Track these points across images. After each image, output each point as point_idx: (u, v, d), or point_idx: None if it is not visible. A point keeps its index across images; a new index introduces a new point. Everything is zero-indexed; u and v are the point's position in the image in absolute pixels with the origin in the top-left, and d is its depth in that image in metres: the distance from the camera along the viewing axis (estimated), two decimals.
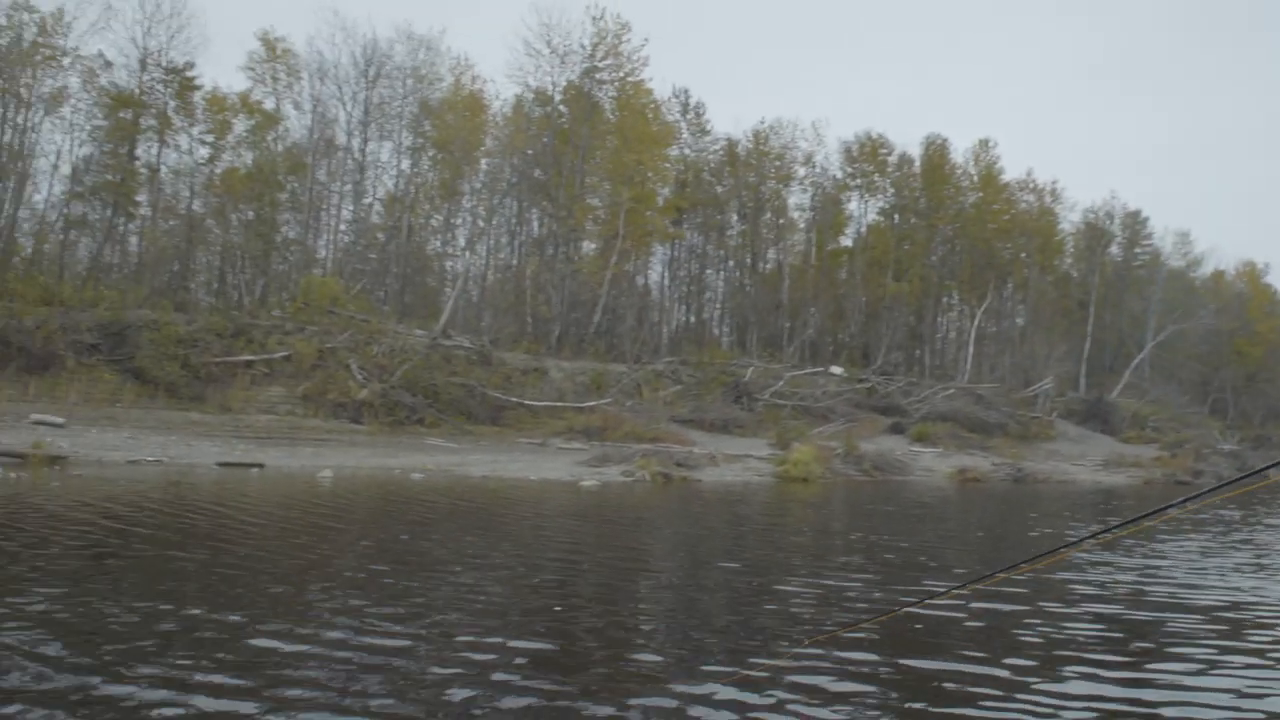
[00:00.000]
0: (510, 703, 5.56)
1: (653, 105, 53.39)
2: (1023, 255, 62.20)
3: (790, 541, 14.92)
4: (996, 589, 9.69)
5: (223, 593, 8.29)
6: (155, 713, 5.17)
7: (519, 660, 6.57)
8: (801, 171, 60.71)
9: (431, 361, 34.86)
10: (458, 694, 5.66)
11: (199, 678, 5.81)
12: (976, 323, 55.92)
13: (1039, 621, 8.72)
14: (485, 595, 8.80)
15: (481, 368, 36.55)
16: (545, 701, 5.62)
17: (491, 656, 6.58)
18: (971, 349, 54.94)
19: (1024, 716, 5.90)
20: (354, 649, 6.64)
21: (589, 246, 54.24)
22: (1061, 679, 6.80)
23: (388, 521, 14.80)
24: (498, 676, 6.11)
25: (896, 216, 61.92)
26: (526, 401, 35.67)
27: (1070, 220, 65.85)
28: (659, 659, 6.86)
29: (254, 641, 6.70)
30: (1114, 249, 67.25)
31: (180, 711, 5.22)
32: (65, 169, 43.65)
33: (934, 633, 8.15)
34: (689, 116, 59.45)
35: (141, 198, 46.56)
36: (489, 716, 5.35)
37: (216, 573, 9.28)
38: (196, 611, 7.53)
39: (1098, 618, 9.07)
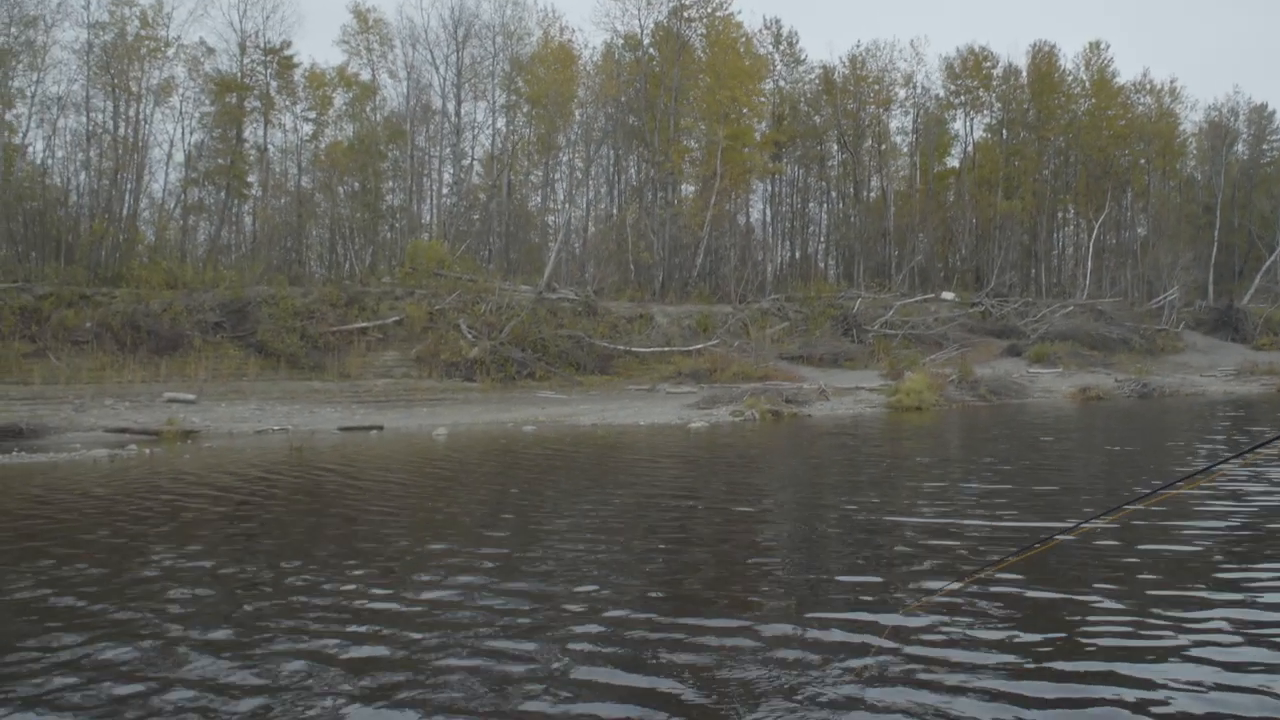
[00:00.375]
0: (637, 643, 5.60)
1: (744, 39, 52.43)
2: (1142, 161, 59.10)
3: (908, 472, 14.71)
4: (1147, 511, 9.43)
5: (354, 549, 8.63)
6: (290, 666, 5.45)
7: (643, 604, 6.59)
8: (902, 94, 59.00)
9: (538, 316, 35.33)
10: (588, 631, 5.72)
11: (339, 628, 6.07)
12: (1094, 236, 53.59)
13: (1198, 544, 8.47)
14: (604, 541, 8.91)
15: (587, 318, 36.88)
16: (668, 652, 5.58)
17: (615, 598, 6.69)
18: (1090, 263, 52.71)
19: (1196, 644, 5.74)
20: (489, 595, 6.87)
21: (688, 189, 53.93)
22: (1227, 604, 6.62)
23: (503, 473, 15.16)
24: (623, 615, 6.16)
25: (1005, 132, 59.54)
26: (633, 349, 35.88)
27: (1192, 121, 62.25)
28: (790, 602, 6.84)
29: (391, 591, 6.95)
30: (1240, 147, 63.25)
31: (321, 664, 5.49)
32: (179, 157, 45.48)
33: (1090, 562, 7.90)
34: (782, 48, 58.20)
35: (252, 178, 48.26)
36: (616, 658, 5.39)
37: (346, 530, 9.68)
38: (327, 567, 7.88)
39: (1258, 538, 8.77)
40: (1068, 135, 57.47)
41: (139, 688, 5.04)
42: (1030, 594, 6.65)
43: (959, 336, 41.50)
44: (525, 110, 52.84)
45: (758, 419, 25.07)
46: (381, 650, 5.53)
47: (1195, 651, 5.50)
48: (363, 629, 5.91)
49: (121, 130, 42.24)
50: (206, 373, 29.09)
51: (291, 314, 31.98)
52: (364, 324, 33.08)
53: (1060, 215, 60.22)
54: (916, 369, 33.03)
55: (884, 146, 59.02)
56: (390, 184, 51.12)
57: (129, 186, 42.72)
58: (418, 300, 34.51)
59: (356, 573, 7.61)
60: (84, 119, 41.28)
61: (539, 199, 55.50)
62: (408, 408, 27.60)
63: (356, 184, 47.91)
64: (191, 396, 26.42)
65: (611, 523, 9.82)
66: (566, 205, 52.40)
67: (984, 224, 55.89)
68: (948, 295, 46.44)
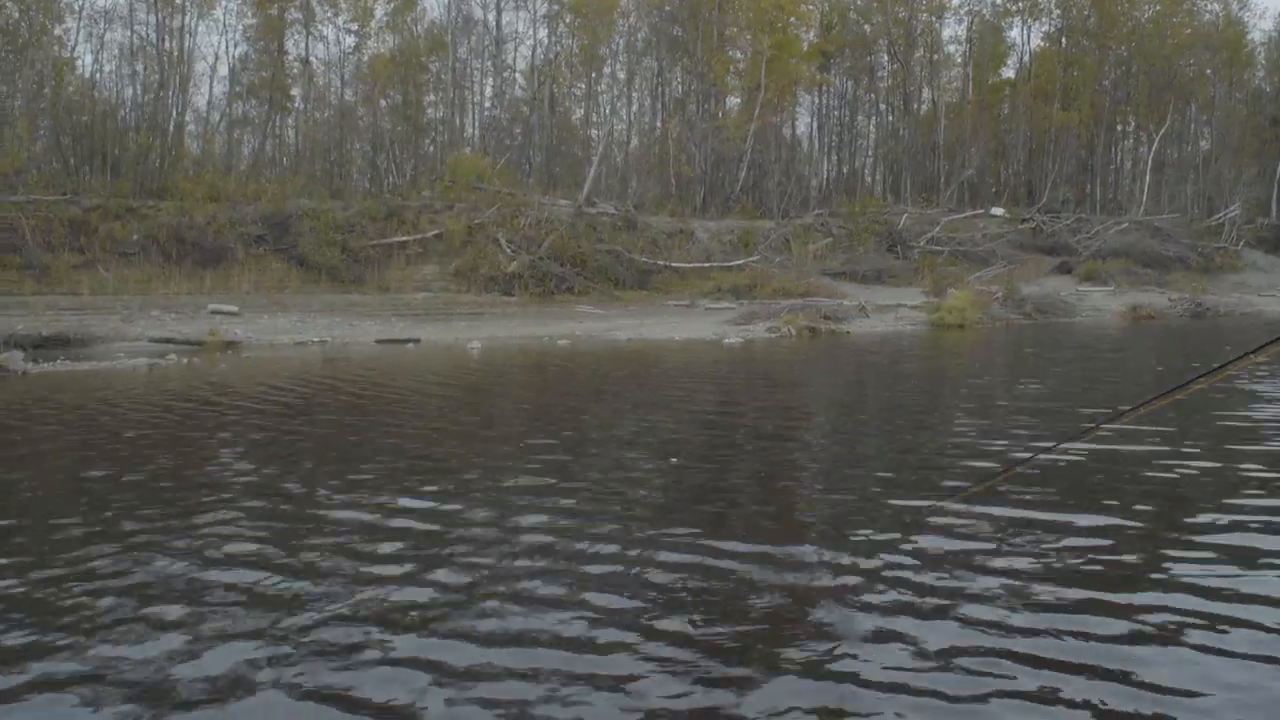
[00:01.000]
0: (676, 561, 5.51)
1: None
2: (1207, 72, 56.65)
3: (935, 391, 14.58)
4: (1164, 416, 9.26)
5: (378, 461, 8.74)
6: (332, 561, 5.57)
7: (681, 520, 6.49)
8: (955, 1, 56.90)
9: (577, 230, 35.15)
10: (630, 554, 5.71)
11: (370, 541, 6.17)
12: (1154, 149, 51.77)
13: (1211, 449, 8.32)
14: (634, 453, 8.89)
15: (627, 233, 36.62)
16: (711, 559, 5.51)
17: (650, 515, 6.60)
18: (1148, 178, 51.02)
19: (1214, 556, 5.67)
20: (515, 511, 6.94)
21: (733, 102, 52.91)
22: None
23: (532, 388, 15.28)
24: (661, 534, 6.06)
25: (1064, 40, 57.33)
26: (673, 264, 35.66)
27: (1261, 29, 59.48)
28: (825, 512, 6.87)
29: (417, 503, 6.98)
30: None
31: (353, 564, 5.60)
32: (223, 70, 45.47)
33: (1104, 466, 7.82)
34: None
35: (296, 91, 48.16)
36: (655, 574, 5.28)
37: (364, 440, 9.82)
38: (354, 477, 8.01)
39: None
40: (1130, 44, 55.15)
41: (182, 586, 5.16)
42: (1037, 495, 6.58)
43: (1007, 254, 40.64)
44: (568, 20, 51.97)
45: (794, 335, 24.93)
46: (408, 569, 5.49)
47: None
48: (390, 545, 5.91)
49: (166, 44, 42.24)
50: (249, 285, 29.49)
51: (332, 227, 32.14)
52: (404, 238, 33.19)
53: (1120, 128, 58.17)
54: (960, 286, 32.50)
55: (936, 57, 57.26)
56: (432, 97, 50.79)
57: (174, 100, 42.91)
58: (457, 214, 34.46)
59: (379, 483, 7.70)
60: (130, 33, 41.40)
61: (582, 112, 54.82)
62: (446, 321, 27.81)
63: (398, 97, 47.64)
64: (234, 308, 26.81)
65: (643, 438, 9.81)
66: (607, 118, 51.70)
67: (1038, 137, 54.21)
68: (997, 211, 45.36)
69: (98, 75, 43.07)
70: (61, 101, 38.75)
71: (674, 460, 8.06)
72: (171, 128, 41.43)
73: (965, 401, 12.75)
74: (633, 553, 5.57)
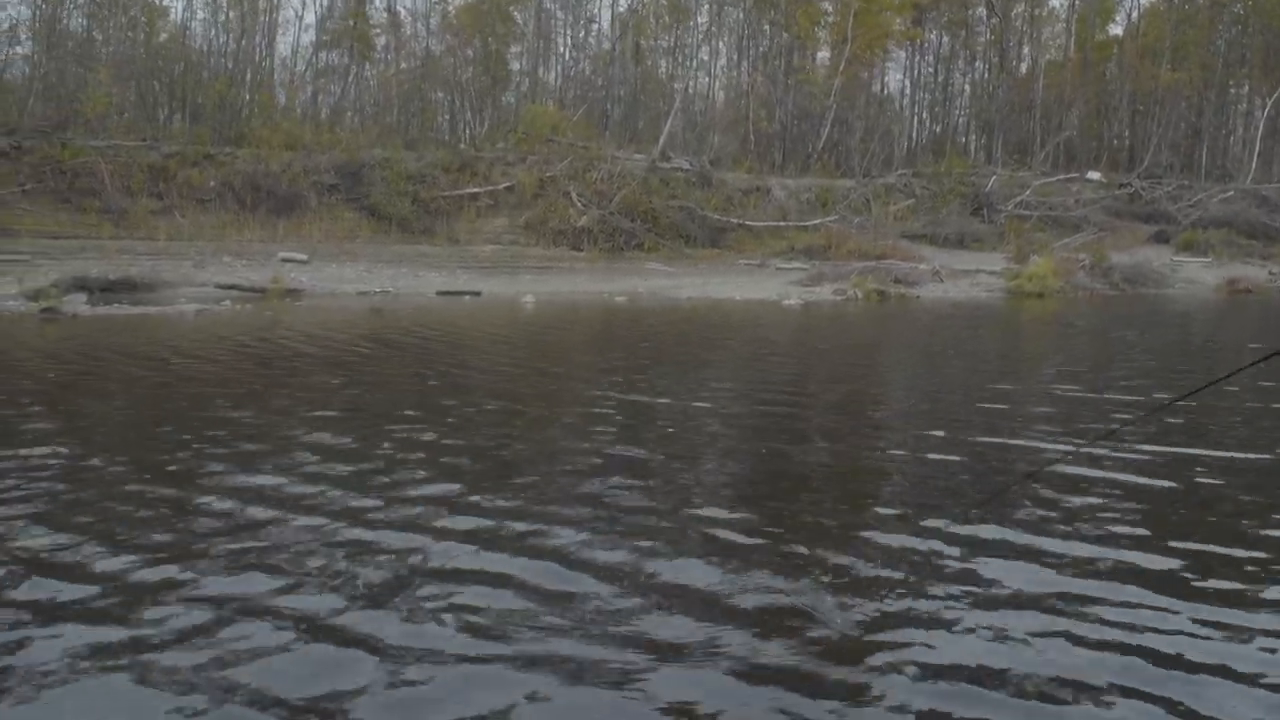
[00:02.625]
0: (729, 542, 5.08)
1: None
2: None
3: (981, 363, 13.82)
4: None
5: (344, 415, 8.52)
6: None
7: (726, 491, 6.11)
8: None
9: (650, 186, 34.59)
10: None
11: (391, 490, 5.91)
12: (1266, 114, 48.75)
13: None
14: (665, 414, 8.52)
15: (701, 189, 35.93)
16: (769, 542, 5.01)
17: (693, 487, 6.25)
18: (1259, 145, 48.11)
19: None
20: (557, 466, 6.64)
21: (822, 57, 51.42)
22: None
23: (559, 343, 14.96)
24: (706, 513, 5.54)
25: None
26: (747, 222, 34.90)
27: None
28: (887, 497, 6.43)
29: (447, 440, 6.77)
30: None
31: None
32: (310, 18, 45.84)
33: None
34: None
35: (383, 40, 48.38)
36: (709, 548, 4.87)
37: (367, 387, 9.60)
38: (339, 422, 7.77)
39: None
40: (1247, 2, 51.83)
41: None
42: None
43: (1101, 220, 38.80)
44: None
45: (861, 298, 24.15)
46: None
47: None
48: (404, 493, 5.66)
49: None
50: (320, 234, 29.72)
51: (404, 178, 32.17)
52: (475, 189, 33.08)
53: (1232, 91, 54.93)
54: (1045, 253, 31.11)
55: (1037, 11, 54.70)
56: (516, 48, 50.51)
57: (260, 48, 43.53)
58: (529, 167, 34.20)
59: (340, 441, 7.44)
60: None
61: (666, 65, 53.91)
62: (512, 275, 27.68)
63: (481, 48, 47.44)
64: (304, 256, 27.06)
65: (664, 400, 9.38)
66: (685, 71, 50.69)
67: (1143, 99, 51.52)
68: (1093, 175, 43.30)
69: (190, 23, 43.89)
70: (152, 48, 39.53)
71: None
72: (255, 76, 42.07)
73: (1003, 383, 12.00)
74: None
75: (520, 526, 4.98)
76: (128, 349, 12.23)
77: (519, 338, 15.24)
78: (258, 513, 5.15)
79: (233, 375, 10.44)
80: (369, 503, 5.39)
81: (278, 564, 4.40)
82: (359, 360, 11.74)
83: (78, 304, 16.81)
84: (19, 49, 38.13)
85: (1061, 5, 56.10)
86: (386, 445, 6.84)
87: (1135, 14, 55.34)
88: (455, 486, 5.73)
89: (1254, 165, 47.23)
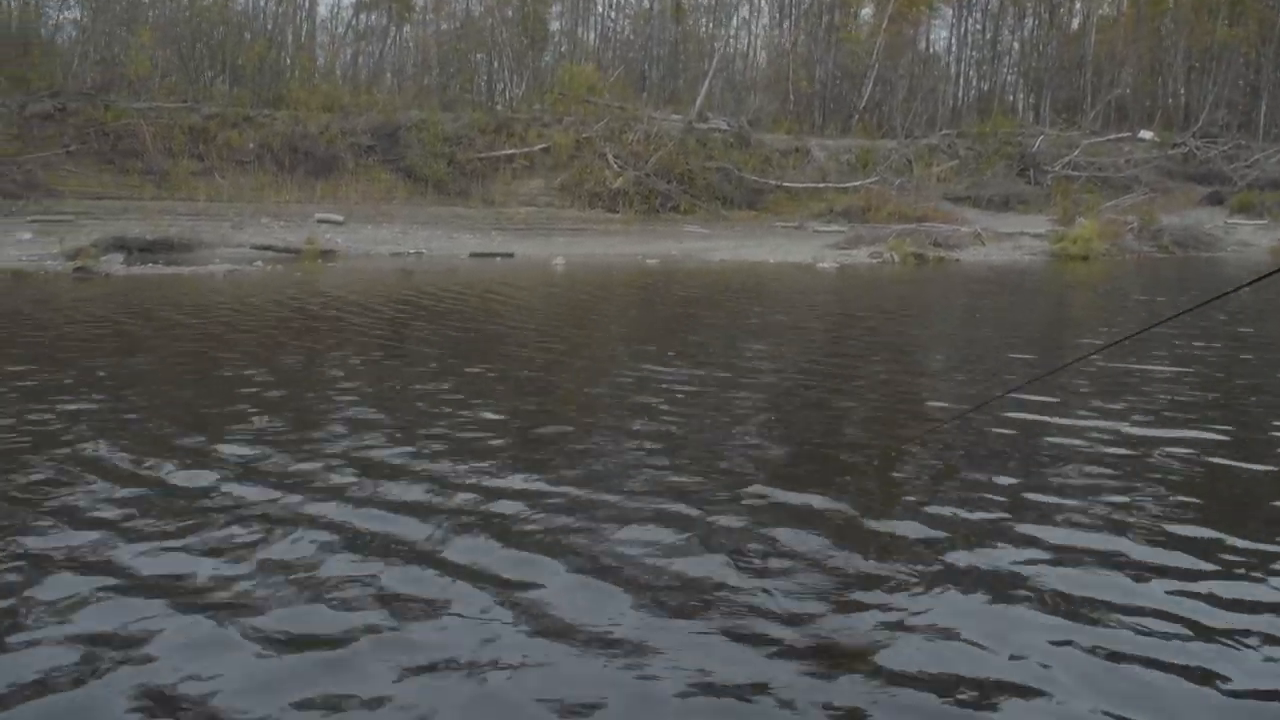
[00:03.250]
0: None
1: None
2: None
3: (1008, 333, 13.50)
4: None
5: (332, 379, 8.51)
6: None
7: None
8: None
9: (687, 146, 34.23)
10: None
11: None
12: None
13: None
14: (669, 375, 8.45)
15: (739, 150, 35.49)
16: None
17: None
18: None
19: None
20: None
21: (866, 14, 50.33)
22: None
23: (597, 305, 14.87)
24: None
25: None
26: (785, 184, 34.47)
27: None
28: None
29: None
30: None
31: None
32: None
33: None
34: None
35: (421, 1, 48.09)
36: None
37: (336, 360, 9.59)
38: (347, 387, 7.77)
39: None
40: None
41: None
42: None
43: (1153, 181, 37.76)
44: None
45: (898, 262, 23.78)
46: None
47: None
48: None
49: None
50: (357, 195, 29.84)
51: (440, 139, 32.14)
52: (510, 151, 32.98)
53: None
54: (1091, 215, 30.38)
55: None
56: (555, 7, 50.02)
57: (302, 8, 43.59)
58: (565, 128, 33.99)
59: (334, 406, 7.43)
60: None
61: (707, 24, 53.12)
62: (546, 237, 27.64)
63: (519, 8, 47.02)
64: (340, 218, 27.21)
65: (664, 375, 9.27)
66: (725, 30, 49.92)
67: (1199, 55, 49.83)
68: (1145, 134, 42.07)
69: None
70: (196, 9, 39.64)
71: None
72: (295, 38, 42.16)
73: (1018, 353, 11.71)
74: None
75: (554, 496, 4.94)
76: (146, 309, 12.37)
77: (543, 300, 15.18)
78: (221, 477, 5.16)
79: (239, 337, 10.39)
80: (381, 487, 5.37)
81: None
82: (378, 323, 11.70)
83: (114, 264, 17.07)
84: (67, 13, 38.63)
85: None
86: (401, 415, 6.81)
87: None
88: (480, 444, 5.71)
89: None
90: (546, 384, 7.98)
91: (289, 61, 38.18)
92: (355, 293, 14.87)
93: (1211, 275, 23.20)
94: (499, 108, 38.08)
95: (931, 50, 53.83)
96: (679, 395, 7.30)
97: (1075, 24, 53.83)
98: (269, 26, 41.33)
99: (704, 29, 52.27)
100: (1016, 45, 55.99)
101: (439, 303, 13.77)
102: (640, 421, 6.43)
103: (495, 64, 46.67)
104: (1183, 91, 51.39)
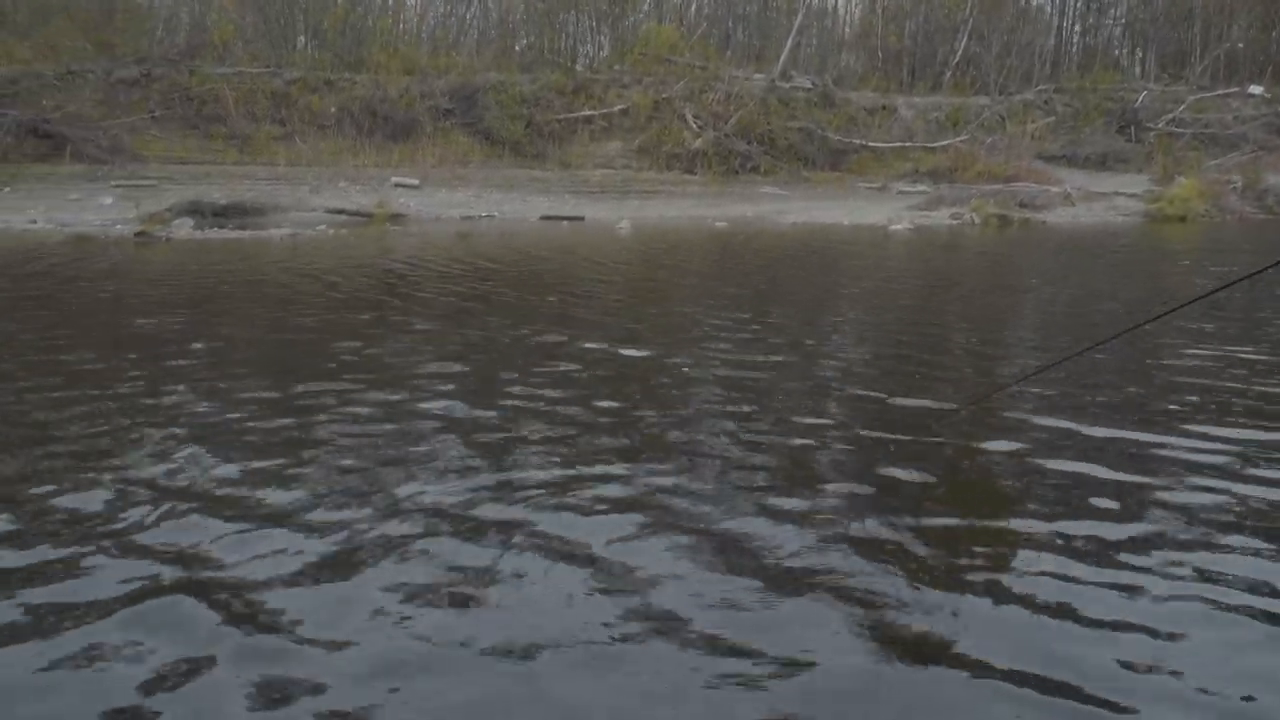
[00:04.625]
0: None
1: None
2: None
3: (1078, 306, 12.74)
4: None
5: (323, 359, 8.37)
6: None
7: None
8: None
9: (768, 106, 33.47)
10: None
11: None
12: None
13: None
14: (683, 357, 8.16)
15: (823, 109, 34.58)
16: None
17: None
18: None
19: None
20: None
21: None
22: None
23: (646, 271, 14.57)
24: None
25: None
26: (870, 143, 33.47)
27: None
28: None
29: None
30: None
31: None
32: None
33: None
34: None
35: None
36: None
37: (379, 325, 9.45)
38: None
39: None
40: None
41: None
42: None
43: (1262, 139, 35.56)
44: None
45: (978, 223, 22.89)
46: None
47: None
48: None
49: None
50: (434, 158, 29.95)
51: (519, 101, 32.03)
52: (589, 112, 32.68)
53: None
54: (1192, 173, 28.80)
55: None
56: None
57: None
58: (645, 89, 33.54)
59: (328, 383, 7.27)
60: None
61: None
62: (620, 199, 27.39)
63: None
64: (416, 181, 27.35)
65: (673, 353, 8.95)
66: None
67: None
68: (1255, 89, 39.58)
69: None
70: None
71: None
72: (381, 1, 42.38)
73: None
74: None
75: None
76: (172, 272, 12.52)
77: (590, 265, 14.88)
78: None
79: (238, 304, 10.24)
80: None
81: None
82: (395, 289, 11.35)
83: (183, 228, 17.39)
84: None
85: None
86: (380, 392, 6.67)
87: None
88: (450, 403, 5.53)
89: None
90: (481, 366, 7.74)
91: (372, 24, 38.37)
92: (403, 258, 14.77)
93: None
94: (578, 68, 37.70)
95: (1031, 2, 51.58)
96: (670, 385, 7.00)
97: None
98: None
99: None
100: None
101: (479, 268, 13.60)
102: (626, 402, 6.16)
103: (579, 24, 46.28)
104: None
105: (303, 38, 37.66)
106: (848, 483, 4.39)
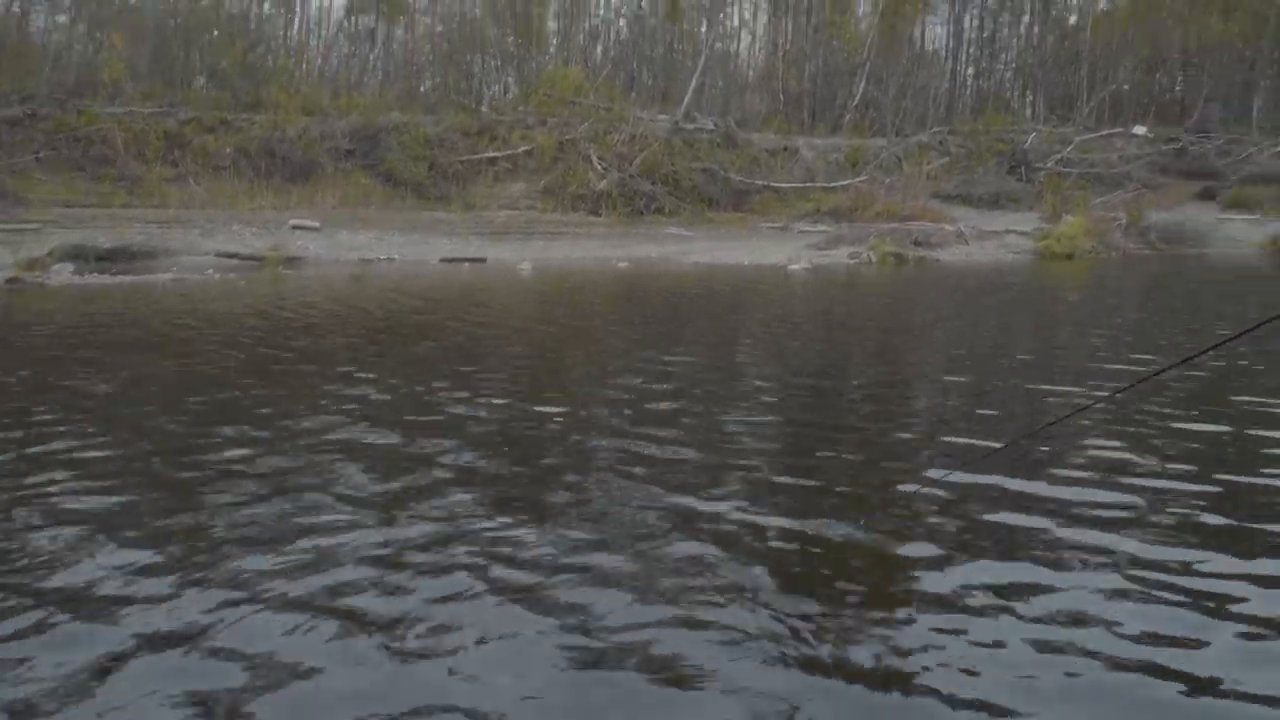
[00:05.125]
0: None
1: None
2: None
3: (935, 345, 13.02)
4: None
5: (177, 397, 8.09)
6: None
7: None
8: None
9: (673, 147, 33.84)
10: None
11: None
12: None
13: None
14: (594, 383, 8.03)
15: (726, 150, 35.07)
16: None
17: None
18: None
19: None
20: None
21: (862, 10, 49.82)
22: None
23: (539, 310, 14.46)
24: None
25: None
26: (772, 184, 34.03)
27: None
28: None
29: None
30: None
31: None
32: None
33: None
34: None
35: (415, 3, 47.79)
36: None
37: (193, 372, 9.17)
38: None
39: None
40: None
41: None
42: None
43: (1145, 177, 37.19)
44: None
45: (875, 262, 23.35)
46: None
47: None
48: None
49: None
50: (334, 200, 29.51)
51: (422, 143, 31.81)
52: (493, 154, 32.63)
53: None
54: (1079, 211, 29.88)
55: None
56: (550, 8, 49.63)
57: (296, 7, 43.52)
58: (550, 130, 33.64)
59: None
60: None
61: (702, 23, 52.65)
62: (523, 241, 27.29)
63: (510, 8, 46.68)
64: (316, 224, 26.86)
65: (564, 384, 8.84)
66: (716, 30, 49.30)
67: (1195, 50, 49.15)
68: (1139, 130, 41.48)
69: None
70: (181, 12, 39.28)
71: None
72: (282, 39, 41.97)
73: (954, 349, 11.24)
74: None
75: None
76: (43, 320, 12.00)
77: (484, 308, 14.73)
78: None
79: (97, 352, 9.80)
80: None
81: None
82: (267, 337, 10.99)
83: (62, 273, 16.74)
84: (60, 18, 38.34)
85: None
86: (197, 453, 6.40)
87: None
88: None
89: None
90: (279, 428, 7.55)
91: (273, 64, 37.87)
92: (285, 302, 14.29)
93: (1194, 268, 22.73)
94: (484, 110, 37.65)
95: (928, 47, 53.34)
96: (525, 436, 6.88)
97: (1072, 20, 53.33)
98: (253, 27, 41.16)
99: (701, 29, 51.87)
100: (1014, 41, 55.41)
101: (361, 311, 13.35)
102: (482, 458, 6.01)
103: (485, 66, 46.35)
104: (1178, 87, 50.80)
105: (200, 77, 36.97)
106: (748, 532, 4.31)
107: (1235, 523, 4.44)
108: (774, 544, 4.23)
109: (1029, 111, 48.80)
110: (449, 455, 5.57)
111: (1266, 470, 5.25)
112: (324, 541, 4.15)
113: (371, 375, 8.10)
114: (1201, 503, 4.70)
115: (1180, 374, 7.86)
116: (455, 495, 4.85)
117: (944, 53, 53.80)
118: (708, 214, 31.92)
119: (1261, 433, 6.07)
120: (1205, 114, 43.79)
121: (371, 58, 45.55)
